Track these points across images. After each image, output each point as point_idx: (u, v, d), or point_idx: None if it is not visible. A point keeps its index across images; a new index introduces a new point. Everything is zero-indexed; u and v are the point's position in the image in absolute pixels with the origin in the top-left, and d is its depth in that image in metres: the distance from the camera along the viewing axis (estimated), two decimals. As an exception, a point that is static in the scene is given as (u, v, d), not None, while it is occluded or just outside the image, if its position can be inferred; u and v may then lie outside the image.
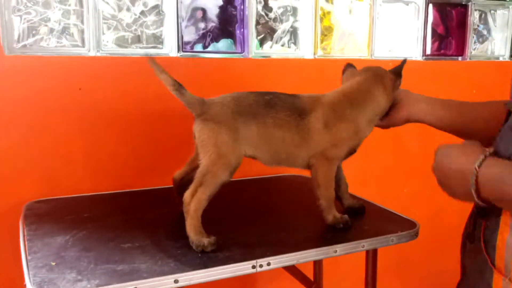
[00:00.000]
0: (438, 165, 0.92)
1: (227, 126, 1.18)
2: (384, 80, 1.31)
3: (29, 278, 1.00)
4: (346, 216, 1.31)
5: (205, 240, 1.13)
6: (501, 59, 2.42)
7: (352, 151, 1.31)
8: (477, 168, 0.82)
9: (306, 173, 1.80)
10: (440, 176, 0.92)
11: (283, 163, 1.31)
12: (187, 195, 1.16)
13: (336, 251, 1.18)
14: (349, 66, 1.40)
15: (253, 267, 1.08)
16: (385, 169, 2.21)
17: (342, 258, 1.26)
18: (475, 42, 2.34)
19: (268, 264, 1.10)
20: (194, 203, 1.14)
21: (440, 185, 0.92)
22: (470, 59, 2.33)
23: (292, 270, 1.70)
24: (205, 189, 1.15)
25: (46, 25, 1.58)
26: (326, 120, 1.25)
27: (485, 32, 2.36)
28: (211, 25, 1.78)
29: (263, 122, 1.21)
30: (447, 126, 1.23)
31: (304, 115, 1.25)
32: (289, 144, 1.25)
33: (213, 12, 1.78)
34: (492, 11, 2.35)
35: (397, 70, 1.32)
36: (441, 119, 1.24)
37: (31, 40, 1.56)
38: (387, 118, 1.33)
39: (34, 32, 1.56)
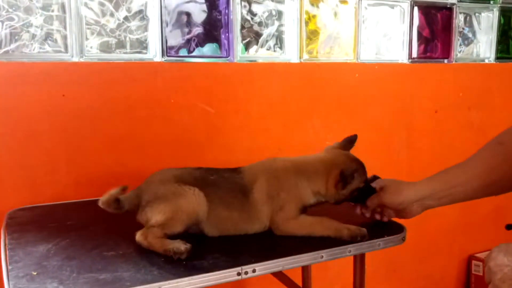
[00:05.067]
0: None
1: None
2: (332, 175, 1.29)
3: (9, 289, 0.98)
4: (364, 229, 1.24)
5: (181, 246, 1.10)
6: (486, 61, 2.43)
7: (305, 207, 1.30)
8: None
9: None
10: None
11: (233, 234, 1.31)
12: (138, 236, 1.16)
13: (322, 257, 1.17)
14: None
15: (238, 274, 1.07)
16: (372, 172, 2.20)
17: (331, 263, 1.25)
18: (460, 45, 2.35)
19: (254, 271, 1.09)
20: (150, 235, 1.14)
21: None
22: (455, 61, 2.33)
23: (280, 276, 1.69)
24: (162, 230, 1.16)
25: (28, 31, 1.56)
26: (268, 190, 1.26)
27: (470, 35, 2.37)
28: (195, 29, 1.77)
29: (210, 201, 1.21)
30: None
31: (247, 193, 1.26)
32: (238, 222, 1.26)
33: (197, 16, 1.77)
34: (476, 14, 2.36)
35: (344, 179, 1.29)
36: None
37: (13, 46, 1.54)
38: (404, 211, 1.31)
39: (16, 37, 1.54)
